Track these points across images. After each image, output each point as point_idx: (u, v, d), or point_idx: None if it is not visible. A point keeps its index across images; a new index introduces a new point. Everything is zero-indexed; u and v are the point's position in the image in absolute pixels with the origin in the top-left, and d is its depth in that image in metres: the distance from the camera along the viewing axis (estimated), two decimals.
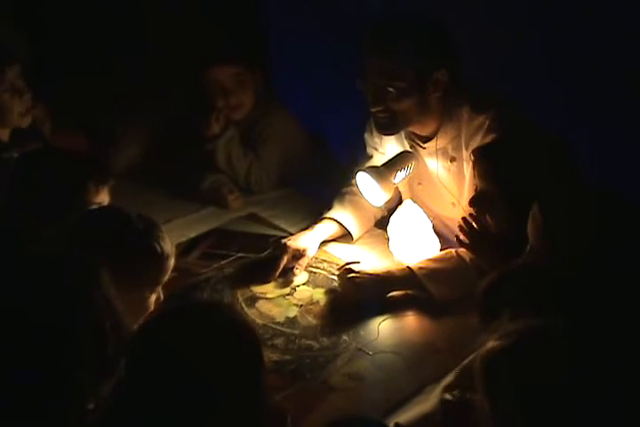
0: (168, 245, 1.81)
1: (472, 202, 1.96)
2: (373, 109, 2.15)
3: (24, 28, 2.80)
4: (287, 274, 2.27)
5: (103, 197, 1.98)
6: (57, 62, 2.90)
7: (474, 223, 1.98)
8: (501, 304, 1.46)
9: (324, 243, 2.42)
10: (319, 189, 2.65)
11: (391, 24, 2.12)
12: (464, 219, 1.98)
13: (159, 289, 1.83)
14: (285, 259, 2.28)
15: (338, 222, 2.42)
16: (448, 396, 1.60)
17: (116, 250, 1.68)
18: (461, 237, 2.01)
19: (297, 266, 2.28)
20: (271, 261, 2.29)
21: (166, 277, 1.83)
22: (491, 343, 1.32)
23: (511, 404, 1.27)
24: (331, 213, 2.43)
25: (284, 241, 2.33)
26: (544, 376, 1.25)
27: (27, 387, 1.35)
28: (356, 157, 2.46)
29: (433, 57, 2.08)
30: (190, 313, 1.43)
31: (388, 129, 2.21)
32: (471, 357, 1.89)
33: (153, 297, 1.82)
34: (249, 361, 1.39)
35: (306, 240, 2.34)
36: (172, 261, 1.82)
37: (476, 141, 2.13)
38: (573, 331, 1.30)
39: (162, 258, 1.79)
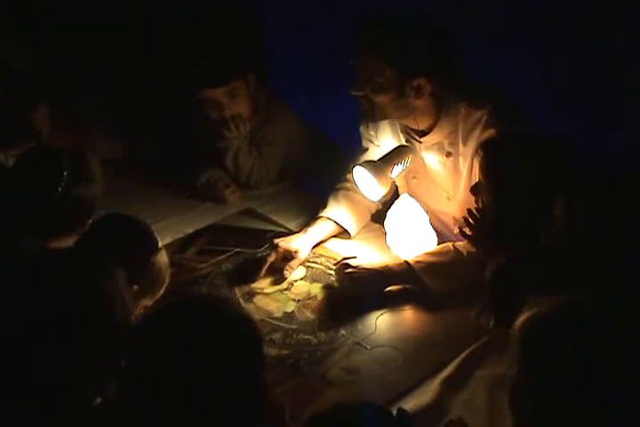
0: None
1: (472, 190, 1.96)
2: (353, 92, 2.15)
3: (25, 30, 2.80)
4: (279, 273, 2.26)
5: None
6: (60, 64, 2.89)
7: (478, 216, 1.97)
8: (511, 291, 1.46)
9: (322, 242, 2.41)
10: (318, 184, 2.64)
11: (384, 23, 2.10)
12: (469, 211, 1.98)
13: None
14: (273, 258, 2.28)
15: (334, 222, 2.41)
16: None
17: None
18: (465, 229, 2.00)
19: (287, 267, 2.26)
20: (260, 260, 2.29)
21: None
22: (528, 313, 1.31)
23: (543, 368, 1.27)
24: (326, 213, 2.41)
25: (276, 241, 2.32)
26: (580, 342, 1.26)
27: (32, 380, 1.37)
28: (354, 151, 2.45)
29: (416, 63, 2.06)
30: (192, 307, 1.43)
31: (366, 116, 2.24)
32: (469, 350, 1.91)
33: None
34: (249, 357, 1.39)
35: (299, 242, 2.32)
36: None
37: (474, 137, 2.12)
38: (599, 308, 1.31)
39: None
